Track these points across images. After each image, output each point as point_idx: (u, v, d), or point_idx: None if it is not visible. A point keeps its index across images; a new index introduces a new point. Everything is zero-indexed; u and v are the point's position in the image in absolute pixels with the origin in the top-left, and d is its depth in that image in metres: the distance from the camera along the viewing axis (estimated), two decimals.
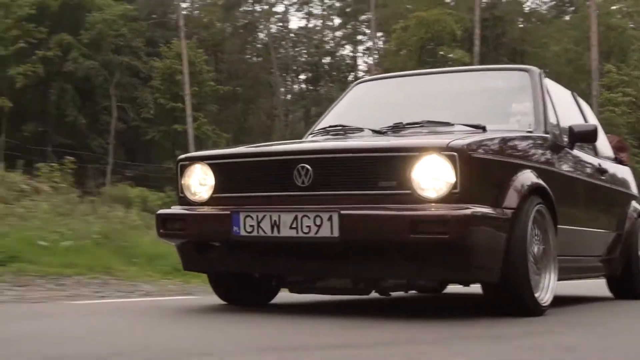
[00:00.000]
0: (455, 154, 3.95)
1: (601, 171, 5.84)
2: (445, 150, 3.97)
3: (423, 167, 3.99)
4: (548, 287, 4.56)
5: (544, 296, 4.50)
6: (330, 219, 4.03)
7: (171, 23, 44.20)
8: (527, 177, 4.43)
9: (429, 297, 6.35)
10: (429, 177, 3.99)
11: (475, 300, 5.80)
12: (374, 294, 4.62)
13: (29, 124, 37.83)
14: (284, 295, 5.20)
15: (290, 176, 4.24)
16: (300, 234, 4.10)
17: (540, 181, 4.53)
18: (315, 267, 4.31)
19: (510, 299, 4.29)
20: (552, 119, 5.21)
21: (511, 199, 4.23)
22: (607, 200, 5.93)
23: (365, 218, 4.01)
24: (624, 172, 6.61)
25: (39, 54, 35.85)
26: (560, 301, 5.66)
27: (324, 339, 3.42)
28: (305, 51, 53.23)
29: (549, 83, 5.58)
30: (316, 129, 5.62)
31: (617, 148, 6.94)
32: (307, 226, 4.08)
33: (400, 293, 4.93)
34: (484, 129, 4.68)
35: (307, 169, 4.19)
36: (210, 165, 4.55)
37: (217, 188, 4.52)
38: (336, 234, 4.01)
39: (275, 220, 4.16)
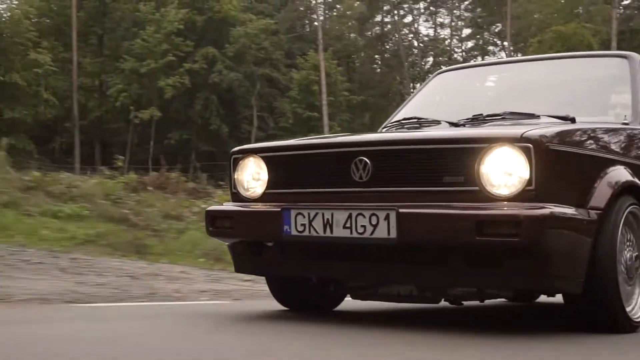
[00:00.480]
0: (530, 145, 3.45)
1: None
2: (519, 141, 3.47)
3: (493, 161, 3.51)
4: None
5: (637, 310, 3.94)
6: (387, 218, 3.59)
7: (308, 36, 45.88)
8: (619, 174, 3.87)
9: (506, 306, 5.80)
10: (500, 172, 3.50)
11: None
12: (445, 303, 4.15)
13: (175, 132, 40.56)
14: (352, 302, 4.78)
15: (347, 170, 3.83)
16: (355, 235, 3.68)
17: (636, 179, 3.96)
18: (371, 272, 3.87)
19: (596, 313, 3.76)
20: None
21: (598, 199, 3.69)
22: None
23: (426, 217, 3.55)
24: None
25: (186, 66, 38.68)
26: None
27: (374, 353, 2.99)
28: (431, 60, 54.07)
29: None
30: (391, 121, 5.19)
31: None
32: (362, 226, 3.66)
33: (476, 302, 4.43)
34: (572, 120, 4.15)
35: (366, 163, 3.77)
36: (264, 158, 4.18)
37: (271, 183, 4.14)
38: (394, 234, 3.57)
39: (328, 219, 3.75)
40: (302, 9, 48.58)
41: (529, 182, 3.45)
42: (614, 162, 3.90)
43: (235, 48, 40.04)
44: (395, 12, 54.11)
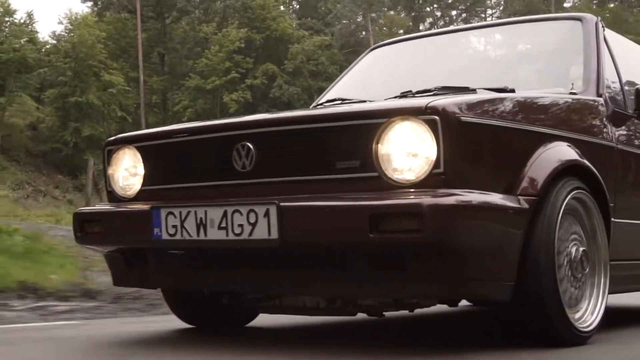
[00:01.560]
0: (436, 118, 2.75)
1: None
2: (423, 113, 2.78)
3: (393, 139, 2.82)
4: (593, 305, 3.28)
5: (587, 318, 3.24)
6: (267, 214, 2.90)
7: (362, 50, 46.72)
8: (559, 152, 3.17)
9: (436, 313, 5.09)
10: (402, 153, 2.82)
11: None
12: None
13: None
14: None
15: (229, 159, 3.14)
16: (231, 237, 2.99)
17: (581, 158, 3.26)
18: (256, 282, 3.17)
19: (531, 324, 3.05)
20: (612, 80, 3.91)
21: (531, 183, 2.99)
22: None
23: (311, 212, 2.86)
24: None
25: (248, 82, 40.69)
26: (626, 320, 4.33)
27: None
28: None
29: (613, 36, 4.27)
30: (317, 104, 4.50)
31: None
32: (239, 225, 2.97)
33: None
34: (512, 92, 3.45)
35: (249, 149, 3.08)
36: (139, 149, 3.48)
37: (148, 178, 3.45)
38: (275, 235, 2.88)
39: (201, 219, 3.06)
40: (354, 26, 50.04)
41: (437, 164, 2.75)
42: (553, 138, 3.19)
43: (293, 64, 41.84)
44: (437, 24, 54.93)
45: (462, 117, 2.79)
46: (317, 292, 3.12)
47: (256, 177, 3.08)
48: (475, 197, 2.76)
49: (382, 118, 2.84)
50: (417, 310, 3.56)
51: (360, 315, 3.40)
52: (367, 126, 2.86)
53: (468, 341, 3.50)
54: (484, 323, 4.56)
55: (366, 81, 4.61)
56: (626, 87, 3.98)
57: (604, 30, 4.04)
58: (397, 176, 2.81)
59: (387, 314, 3.51)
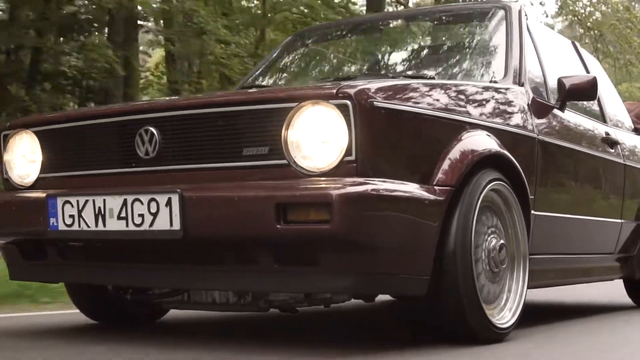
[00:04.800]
0: (347, 102, 2.60)
1: (610, 142, 4.40)
2: (335, 97, 2.63)
3: (303, 124, 2.66)
4: (512, 301, 3.18)
5: (505, 315, 3.13)
6: (169, 204, 2.72)
7: None
8: (477, 141, 3.06)
9: (354, 308, 4.97)
10: (313, 139, 2.66)
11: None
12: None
13: None
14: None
15: (131, 145, 2.94)
16: (132, 227, 2.80)
17: (501, 148, 3.15)
18: (155, 276, 2.99)
19: (446, 320, 2.93)
20: (534, 70, 3.83)
21: (448, 173, 2.87)
22: (619, 180, 4.48)
23: (215, 202, 2.69)
24: None
25: None
26: (547, 314, 4.26)
27: None
28: None
29: (538, 27, 4.20)
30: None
31: (639, 117, 5.48)
32: (140, 215, 2.78)
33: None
34: (431, 80, 3.32)
35: (153, 134, 2.89)
36: (37, 133, 3.26)
37: (46, 166, 3.23)
38: (177, 226, 2.70)
39: (99, 208, 2.86)
40: None
41: (348, 151, 2.61)
42: (471, 127, 3.07)
43: None
44: None
45: (375, 102, 2.65)
46: (224, 288, 2.94)
47: (160, 164, 2.90)
48: (388, 186, 2.63)
49: (292, 102, 2.68)
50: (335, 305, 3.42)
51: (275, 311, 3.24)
52: (276, 111, 2.70)
53: (379, 338, 3.37)
54: (402, 318, 4.44)
55: (285, 69, 4.44)
56: (549, 78, 3.90)
57: (527, 19, 3.95)
58: (307, 164, 2.66)
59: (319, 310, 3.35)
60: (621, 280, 4.95)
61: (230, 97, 2.95)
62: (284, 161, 2.67)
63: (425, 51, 4.22)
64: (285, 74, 4.36)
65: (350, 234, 2.51)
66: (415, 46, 4.26)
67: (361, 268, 2.62)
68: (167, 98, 3.18)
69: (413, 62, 4.03)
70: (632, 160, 4.68)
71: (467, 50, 3.95)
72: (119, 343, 3.05)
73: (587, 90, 3.82)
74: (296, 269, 2.67)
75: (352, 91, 2.61)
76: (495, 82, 3.49)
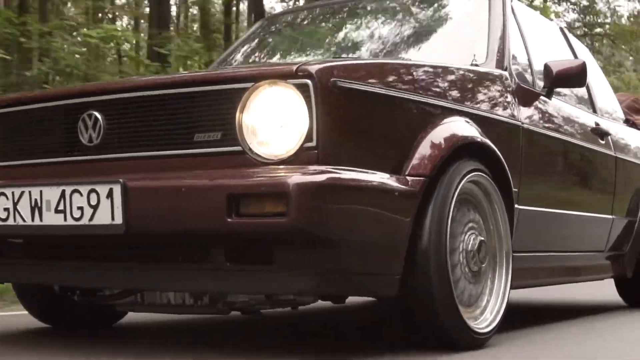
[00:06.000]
0: (308, 82, 2.33)
1: (600, 133, 4.13)
2: (294, 76, 2.36)
3: (259, 107, 2.39)
4: (493, 302, 2.91)
5: (486, 317, 2.86)
6: (110, 195, 2.44)
7: None
8: (454, 128, 2.79)
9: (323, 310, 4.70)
10: (269, 123, 2.39)
11: None
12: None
13: None
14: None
15: (74, 131, 2.67)
16: (70, 222, 2.52)
17: (482, 136, 2.89)
18: (98, 276, 2.70)
19: (419, 324, 2.66)
20: (519, 54, 3.56)
21: (421, 162, 2.60)
22: (609, 173, 4.22)
23: (160, 192, 2.41)
24: (637, 139, 4.87)
25: None
26: (534, 316, 3.99)
27: None
28: None
29: (523, 9, 3.93)
30: None
31: (631, 109, 5.23)
32: (79, 208, 2.50)
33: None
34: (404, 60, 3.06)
35: (97, 119, 2.62)
36: None
37: None
38: (119, 219, 2.42)
39: (36, 200, 2.58)
40: None
41: (309, 137, 2.33)
42: (449, 112, 2.80)
43: None
44: None
45: (339, 82, 2.37)
46: (172, 289, 2.67)
47: (105, 152, 2.63)
48: (353, 176, 2.36)
49: (247, 83, 2.41)
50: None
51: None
52: (230, 92, 2.43)
53: (347, 341, 3.10)
54: (374, 320, 4.17)
55: (254, 53, 4.17)
56: (535, 63, 3.63)
57: (512, 0, 3.69)
58: (264, 151, 2.39)
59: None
60: (612, 279, 4.69)
61: (179, 77, 2.68)
62: (238, 148, 2.40)
63: (401, 32, 3.93)
64: (253, 59, 4.09)
65: (308, 229, 2.24)
66: (392, 27, 3.97)
67: (322, 267, 2.35)
68: (113, 81, 2.87)
69: (389, 43, 3.74)
70: (623, 153, 4.42)
71: (447, 31, 3.69)
72: (63, 349, 2.78)
73: (575, 76, 3.56)
74: (250, 267, 2.39)
75: (312, 69, 2.34)
76: (477, 65, 3.22)
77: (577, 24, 20.93)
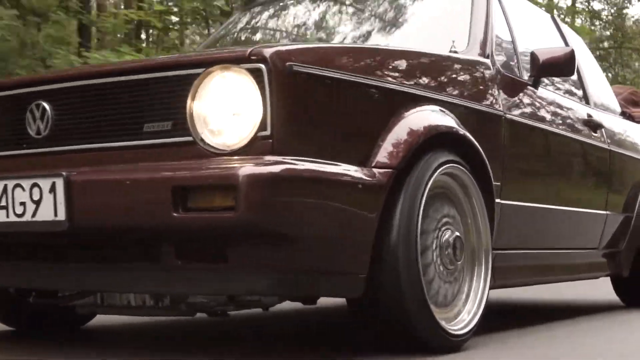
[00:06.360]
0: (261, 66, 2.17)
1: (593, 125, 3.95)
2: (246, 61, 2.19)
3: (210, 94, 2.23)
4: (471, 302, 2.74)
5: (462, 319, 2.69)
6: (52, 189, 2.28)
7: None
8: (428, 117, 2.62)
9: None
10: (221, 111, 2.23)
11: None
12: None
13: None
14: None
15: (21, 123, 2.52)
16: (12, 218, 2.36)
17: (458, 126, 2.71)
18: (45, 276, 2.54)
19: (388, 326, 2.49)
20: (503, 42, 3.39)
21: (390, 152, 2.43)
22: (602, 166, 4.04)
23: (105, 186, 2.25)
24: (634, 132, 4.69)
25: None
26: (521, 316, 3.81)
27: None
28: None
29: None
30: None
31: (628, 101, 5.04)
32: (21, 203, 2.34)
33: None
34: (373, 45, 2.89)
35: (45, 109, 2.46)
36: None
37: None
38: (62, 215, 2.26)
39: None
40: None
41: (263, 125, 2.17)
42: (422, 100, 2.63)
43: None
44: None
45: (296, 67, 2.20)
46: (120, 289, 2.50)
47: (53, 144, 2.47)
48: (311, 167, 2.19)
49: (198, 68, 2.25)
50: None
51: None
52: (180, 79, 2.28)
53: (315, 344, 2.93)
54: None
55: (232, 43, 4.00)
56: (521, 52, 3.46)
57: None
58: (216, 141, 2.22)
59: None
60: (608, 277, 4.51)
61: (128, 64, 2.52)
62: (189, 138, 2.24)
63: (380, 18, 3.75)
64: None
65: (259, 224, 2.07)
66: (367, 11, 3.79)
67: (280, 265, 2.18)
68: (63, 69, 2.72)
69: (366, 30, 3.56)
70: (618, 146, 4.24)
71: (428, 18, 3.51)
72: (20, 352, 2.62)
73: (563, 65, 3.38)
74: (203, 266, 2.23)
75: (266, 53, 2.17)
76: (456, 52, 3.05)
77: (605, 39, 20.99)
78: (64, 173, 2.26)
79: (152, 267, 2.30)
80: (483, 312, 2.74)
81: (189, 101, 2.23)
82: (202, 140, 2.22)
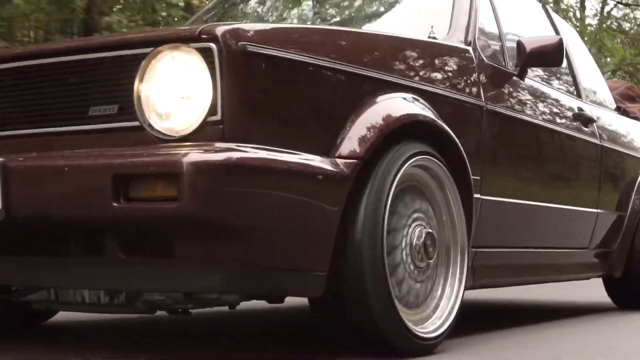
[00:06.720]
0: (212, 46, 2.00)
1: (584, 119, 3.78)
2: (196, 40, 2.03)
3: (158, 76, 2.06)
4: (445, 303, 2.57)
5: (434, 321, 2.52)
6: None
7: None
8: (398, 105, 2.45)
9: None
10: (170, 95, 2.06)
11: None
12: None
13: None
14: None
15: None
16: None
17: (433, 116, 2.55)
18: None
19: (352, 328, 2.33)
20: (488, 30, 3.22)
21: (355, 142, 2.26)
22: (593, 163, 3.87)
23: (43, 173, 2.09)
24: (630, 128, 4.52)
25: None
26: (505, 317, 3.64)
27: None
28: None
29: None
30: None
31: (624, 96, 4.87)
32: None
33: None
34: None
35: None
36: None
37: None
38: None
39: None
40: None
41: (213, 109, 2.01)
42: (392, 87, 2.46)
43: None
44: None
45: (250, 47, 2.04)
46: (64, 284, 2.34)
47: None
48: (265, 155, 2.03)
49: (146, 47, 2.09)
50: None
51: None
52: (127, 59, 2.12)
53: (277, 346, 2.77)
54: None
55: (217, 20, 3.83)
56: (508, 41, 3.29)
57: None
58: (164, 126, 2.06)
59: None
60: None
61: (73, 43, 2.36)
62: (136, 123, 2.08)
63: (367, 11, 3.60)
64: None
65: (204, 216, 1.91)
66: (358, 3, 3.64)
67: (230, 261, 2.02)
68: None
69: (343, 14, 3.41)
70: (611, 142, 4.06)
71: (409, 3, 3.35)
72: None
73: (551, 54, 3.21)
74: (149, 261, 2.07)
75: (218, 32, 2.01)
76: (435, 38, 2.89)
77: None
78: (1, 159, 2.10)
79: (98, 261, 2.15)
80: (457, 314, 2.57)
81: (136, 83, 2.07)
82: (149, 125, 2.06)
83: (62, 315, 3.25)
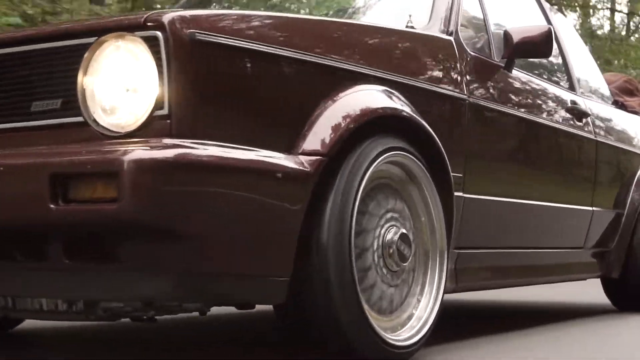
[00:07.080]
0: (158, 34, 1.85)
1: (578, 113, 3.61)
2: (142, 28, 1.88)
3: (103, 67, 1.91)
4: (422, 309, 2.41)
5: (410, 326, 2.36)
6: None
7: None
8: (368, 97, 2.29)
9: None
10: (115, 87, 1.91)
11: None
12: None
13: None
14: None
15: None
16: None
17: (407, 109, 2.39)
18: None
19: (317, 337, 2.17)
20: (473, 20, 3.07)
21: (319, 137, 2.11)
22: (588, 159, 3.70)
23: None
24: (627, 122, 4.34)
25: None
26: (495, 322, 3.47)
27: None
28: None
29: None
30: None
31: (622, 89, 4.70)
32: None
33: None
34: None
35: None
36: None
37: None
38: None
39: None
40: None
41: (159, 103, 1.85)
42: (363, 78, 2.31)
43: None
44: None
45: (200, 36, 1.89)
46: (8, 292, 2.19)
47: None
48: (216, 152, 1.87)
49: (89, 37, 1.94)
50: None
51: None
52: (70, 50, 1.97)
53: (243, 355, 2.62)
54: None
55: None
56: (494, 32, 3.13)
57: None
58: (109, 121, 1.91)
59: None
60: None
61: (11, 34, 2.21)
62: (80, 118, 1.93)
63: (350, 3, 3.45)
64: None
65: (146, 218, 1.76)
66: None
67: (179, 266, 1.86)
68: None
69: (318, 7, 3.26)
70: (607, 137, 3.90)
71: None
72: None
73: (539, 45, 3.06)
74: (93, 266, 1.92)
75: (165, 19, 1.86)
76: (413, 27, 2.73)
77: None
78: None
79: (44, 267, 2.00)
80: (436, 320, 2.42)
81: (79, 75, 1.92)
82: (94, 121, 1.92)
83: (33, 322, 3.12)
